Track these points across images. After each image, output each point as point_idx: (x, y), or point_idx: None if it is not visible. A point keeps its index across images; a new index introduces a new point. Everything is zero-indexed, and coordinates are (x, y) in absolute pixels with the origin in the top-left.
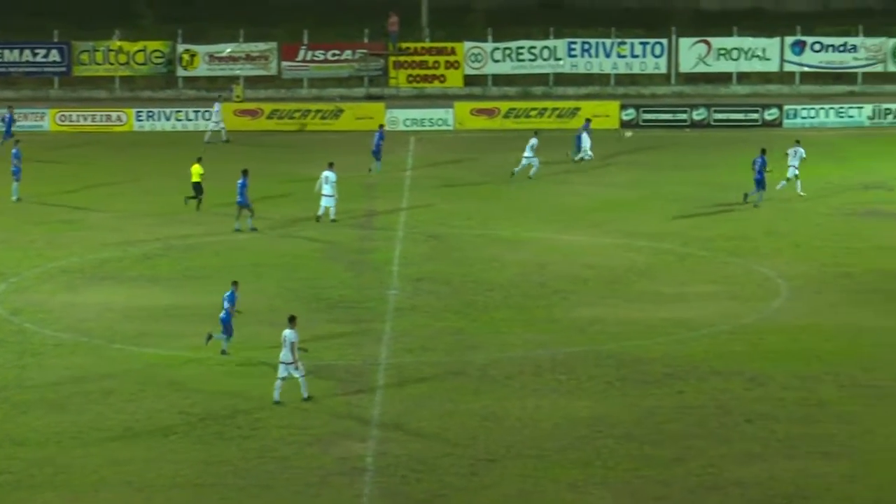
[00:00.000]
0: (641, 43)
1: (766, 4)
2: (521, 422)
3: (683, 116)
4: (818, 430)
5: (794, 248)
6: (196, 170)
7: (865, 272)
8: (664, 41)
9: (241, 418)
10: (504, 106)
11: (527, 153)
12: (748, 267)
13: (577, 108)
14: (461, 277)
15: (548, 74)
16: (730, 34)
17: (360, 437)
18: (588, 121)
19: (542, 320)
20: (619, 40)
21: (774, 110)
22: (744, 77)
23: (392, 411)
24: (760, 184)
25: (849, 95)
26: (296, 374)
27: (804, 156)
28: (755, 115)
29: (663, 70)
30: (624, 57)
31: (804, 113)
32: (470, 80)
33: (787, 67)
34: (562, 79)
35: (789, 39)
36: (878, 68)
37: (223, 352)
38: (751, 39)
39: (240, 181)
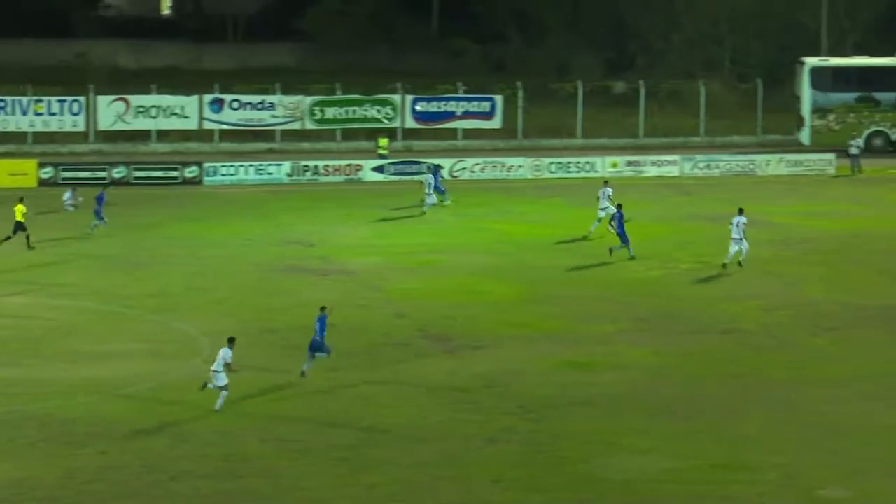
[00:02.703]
0: (59, 101)
1: (182, 63)
2: None
3: (103, 174)
4: (243, 486)
5: (216, 305)
6: (20, 209)
7: (289, 328)
8: (82, 99)
9: None
10: None
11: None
12: (169, 324)
13: None
14: None
15: None
16: (148, 92)
17: None
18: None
19: None
20: (36, 98)
21: (195, 168)
22: (164, 135)
23: None
24: (624, 238)
25: (268, 153)
26: (219, 384)
27: (611, 194)
28: (175, 173)
29: (82, 128)
30: (41, 115)
31: (224, 170)
32: None
33: (207, 125)
34: None
35: (208, 97)
36: (296, 126)
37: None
38: (169, 97)
39: None
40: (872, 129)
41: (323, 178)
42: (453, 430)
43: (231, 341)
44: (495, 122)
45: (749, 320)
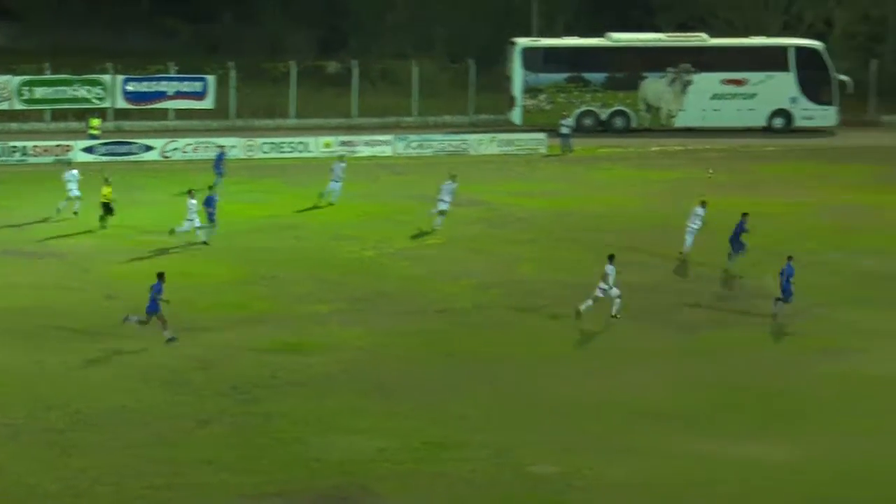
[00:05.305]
0: None
1: None
2: None
3: None
4: None
5: None
6: (107, 191)
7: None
8: None
9: None
10: None
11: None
12: None
13: None
14: None
15: None
16: None
17: None
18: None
19: None
20: None
21: None
22: None
23: None
24: (741, 246)
25: None
26: (613, 294)
27: (454, 189)
28: None
29: None
30: None
31: None
32: None
33: None
34: None
35: None
36: (4, 106)
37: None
38: None
39: None
40: (583, 108)
41: (32, 160)
42: (166, 411)
43: (611, 258)
44: (207, 103)
45: (463, 299)
